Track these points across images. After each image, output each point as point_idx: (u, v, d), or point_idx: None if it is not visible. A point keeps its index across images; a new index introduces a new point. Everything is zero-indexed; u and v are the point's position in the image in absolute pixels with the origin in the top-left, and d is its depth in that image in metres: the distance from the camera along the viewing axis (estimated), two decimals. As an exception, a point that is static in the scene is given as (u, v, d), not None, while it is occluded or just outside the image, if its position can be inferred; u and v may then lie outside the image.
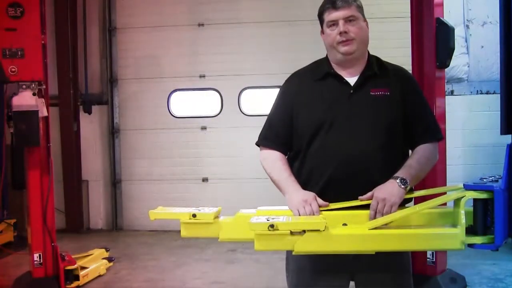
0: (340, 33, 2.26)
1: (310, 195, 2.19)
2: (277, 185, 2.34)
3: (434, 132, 2.38)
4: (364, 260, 2.23)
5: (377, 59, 2.42)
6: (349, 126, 2.26)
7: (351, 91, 2.30)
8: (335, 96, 2.31)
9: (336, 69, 2.36)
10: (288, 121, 2.36)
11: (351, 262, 2.27)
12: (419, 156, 2.29)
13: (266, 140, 2.42)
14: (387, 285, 2.29)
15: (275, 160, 2.37)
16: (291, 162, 2.39)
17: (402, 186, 2.15)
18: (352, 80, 2.33)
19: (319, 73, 2.38)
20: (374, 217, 2.09)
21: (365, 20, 2.35)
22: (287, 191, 2.27)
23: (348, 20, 2.27)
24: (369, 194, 2.14)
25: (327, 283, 2.32)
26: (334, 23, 2.28)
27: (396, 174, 2.19)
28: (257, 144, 2.46)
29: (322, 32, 2.37)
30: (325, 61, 2.42)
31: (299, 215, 2.12)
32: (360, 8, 2.32)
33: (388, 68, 2.40)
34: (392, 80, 2.35)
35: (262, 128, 2.47)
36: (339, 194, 2.20)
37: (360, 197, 2.15)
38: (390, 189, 2.14)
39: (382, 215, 2.08)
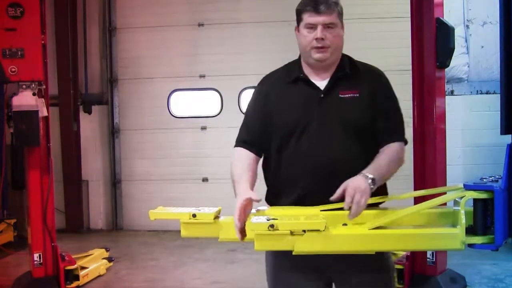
0: (317, 39, 2.22)
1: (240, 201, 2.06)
2: (233, 185, 2.25)
3: (399, 133, 2.31)
4: (343, 261, 2.20)
5: (350, 58, 2.37)
6: (320, 133, 2.23)
7: (321, 96, 2.27)
8: (306, 101, 2.27)
9: (306, 71, 2.32)
10: (264, 122, 2.32)
11: (331, 262, 2.24)
12: (388, 156, 2.22)
13: (241, 141, 2.38)
14: (367, 285, 2.27)
15: (239, 160, 2.31)
16: (264, 169, 2.37)
17: (372, 186, 2.07)
18: (322, 84, 2.29)
19: (290, 76, 2.34)
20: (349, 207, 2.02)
21: (342, 26, 2.31)
22: (236, 191, 2.18)
23: (327, 26, 2.22)
24: (339, 190, 2.05)
25: (307, 282, 2.30)
26: (312, 26, 2.23)
27: (366, 172, 2.10)
28: (234, 146, 2.40)
29: (298, 30, 2.31)
30: (296, 64, 2.38)
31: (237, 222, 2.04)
32: (340, 15, 2.28)
33: (359, 68, 2.35)
34: (363, 81, 2.31)
35: (239, 131, 2.42)
36: (314, 203, 2.17)
37: (331, 198, 2.06)
38: (359, 182, 2.05)
39: (353, 203, 2.00)
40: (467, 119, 7.09)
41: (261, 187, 2.37)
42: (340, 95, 2.26)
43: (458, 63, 6.90)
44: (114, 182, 7.93)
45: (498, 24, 2.04)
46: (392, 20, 7.00)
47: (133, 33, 7.81)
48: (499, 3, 2.00)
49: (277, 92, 2.33)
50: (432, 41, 4.49)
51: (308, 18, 2.23)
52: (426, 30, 4.55)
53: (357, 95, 2.27)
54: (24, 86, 4.61)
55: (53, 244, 4.79)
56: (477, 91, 7.13)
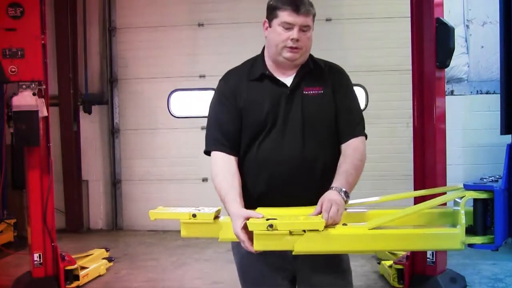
0: (292, 39, 2.19)
1: (238, 222, 2.05)
2: (221, 199, 2.22)
3: (359, 128, 2.30)
4: (302, 260, 2.22)
5: (311, 56, 2.35)
6: (285, 131, 2.23)
7: (288, 92, 2.26)
8: (273, 98, 2.25)
9: (271, 68, 2.31)
10: (237, 122, 2.28)
11: (291, 262, 2.26)
12: (353, 161, 2.20)
13: (218, 144, 2.28)
14: (326, 285, 2.28)
15: (221, 169, 2.24)
16: None
17: (345, 199, 2.09)
18: (287, 80, 2.28)
19: (255, 74, 2.32)
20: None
21: (313, 29, 2.28)
22: (229, 210, 2.16)
23: (302, 27, 2.20)
24: (318, 207, 2.05)
25: (273, 278, 2.32)
26: (289, 26, 2.19)
27: (338, 185, 2.11)
28: (207, 150, 2.31)
29: (269, 25, 2.26)
30: (260, 60, 2.35)
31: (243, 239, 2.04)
32: (314, 17, 2.26)
33: (321, 66, 2.34)
34: (325, 77, 2.31)
35: (208, 131, 2.33)
36: (276, 203, 2.18)
37: (310, 215, 2.04)
38: (333, 196, 2.07)
39: (329, 217, 2.00)
40: (467, 119, 7.09)
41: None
42: (304, 92, 2.26)
43: (458, 63, 6.90)
44: (114, 182, 7.93)
45: (498, 24, 2.05)
46: (392, 20, 7.00)
47: (133, 33, 7.81)
48: (499, 3, 2.01)
49: (245, 90, 2.30)
50: (432, 41, 4.49)
51: (286, 17, 2.19)
52: (426, 30, 4.55)
53: (321, 91, 2.27)
54: (24, 86, 4.60)
55: (53, 244, 4.79)
56: (477, 91, 7.13)
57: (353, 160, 2.21)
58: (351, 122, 2.29)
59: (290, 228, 1.94)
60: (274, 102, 2.25)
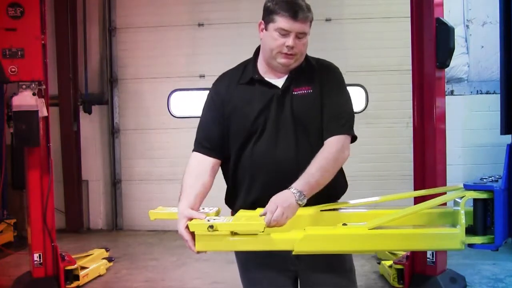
0: (287, 46, 2.16)
1: (180, 223, 2.10)
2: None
3: (341, 124, 2.22)
4: (304, 260, 2.22)
5: (305, 56, 2.31)
6: (275, 134, 2.21)
7: (279, 94, 2.24)
8: (265, 101, 2.24)
9: (263, 70, 2.29)
10: (221, 126, 2.29)
11: (293, 262, 2.26)
12: (321, 160, 2.13)
13: (198, 146, 2.35)
14: (328, 285, 2.27)
15: (189, 170, 2.29)
16: (223, 170, 2.35)
17: (299, 202, 2.02)
18: (279, 82, 2.26)
19: (245, 78, 2.30)
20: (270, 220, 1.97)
21: (309, 34, 2.25)
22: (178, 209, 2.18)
23: (299, 34, 2.17)
24: (267, 206, 2.01)
25: (273, 280, 2.32)
26: (285, 33, 2.15)
27: (296, 186, 2.04)
28: (192, 151, 2.38)
29: (265, 28, 2.22)
30: (251, 63, 2.33)
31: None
32: (311, 23, 2.22)
33: (313, 64, 2.31)
34: (315, 75, 2.28)
35: (196, 133, 2.39)
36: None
37: (260, 214, 2.01)
38: (284, 197, 2.02)
39: (272, 219, 1.96)
40: (467, 119, 7.10)
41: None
42: (293, 92, 2.25)
43: (458, 63, 6.91)
44: (114, 182, 7.93)
45: (498, 24, 2.04)
46: (392, 20, 7.00)
47: (133, 33, 7.81)
48: (499, 3, 2.00)
49: (235, 95, 2.29)
50: (432, 41, 4.49)
51: (283, 23, 2.15)
52: (426, 30, 4.55)
53: (310, 91, 2.25)
54: (24, 86, 4.61)
55: (53, 244, 4.79)
56: (477, 91, 7.13)
57: (322, 160, 2.13)
58: (334, 120, 2.22)
59: (230, 229, 1.95)
60: (265, 105, 2.24)
